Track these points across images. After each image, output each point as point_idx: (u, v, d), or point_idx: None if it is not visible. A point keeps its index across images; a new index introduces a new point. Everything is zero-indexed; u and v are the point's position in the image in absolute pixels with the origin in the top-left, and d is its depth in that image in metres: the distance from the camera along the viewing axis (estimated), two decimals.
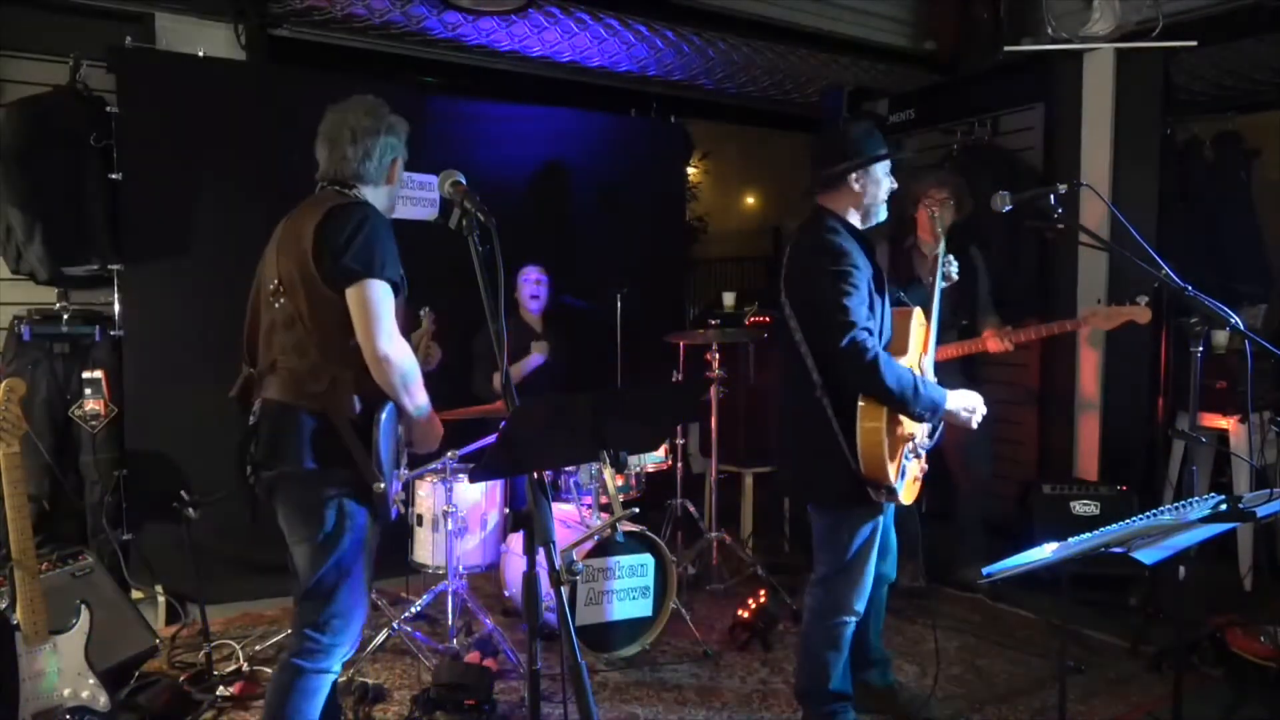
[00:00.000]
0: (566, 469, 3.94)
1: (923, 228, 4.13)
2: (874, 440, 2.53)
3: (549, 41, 4.89)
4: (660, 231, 5.63)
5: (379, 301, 2.17)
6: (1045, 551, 2.01)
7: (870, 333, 2.52)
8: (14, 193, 3.81)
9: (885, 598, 3.14)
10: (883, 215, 2.79)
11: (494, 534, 3.88)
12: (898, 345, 2.73)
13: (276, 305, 2.28)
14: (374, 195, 2.37)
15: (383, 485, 2.22)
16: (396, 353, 2.20)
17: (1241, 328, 2.32)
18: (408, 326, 2.47)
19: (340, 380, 2.21)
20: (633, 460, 4.05)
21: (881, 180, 2.72)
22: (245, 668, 3.37)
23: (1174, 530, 2.05)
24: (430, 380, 2.40)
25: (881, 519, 2.76)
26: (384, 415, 2.23)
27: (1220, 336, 4.27)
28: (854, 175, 2.68)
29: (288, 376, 2.25)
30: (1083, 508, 4.28)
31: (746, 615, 3.78)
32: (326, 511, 2.23)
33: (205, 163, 4.10)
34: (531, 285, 4.57)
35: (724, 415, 4.52)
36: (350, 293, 2.18)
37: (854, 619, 2.80)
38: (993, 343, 3.97)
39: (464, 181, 2.07)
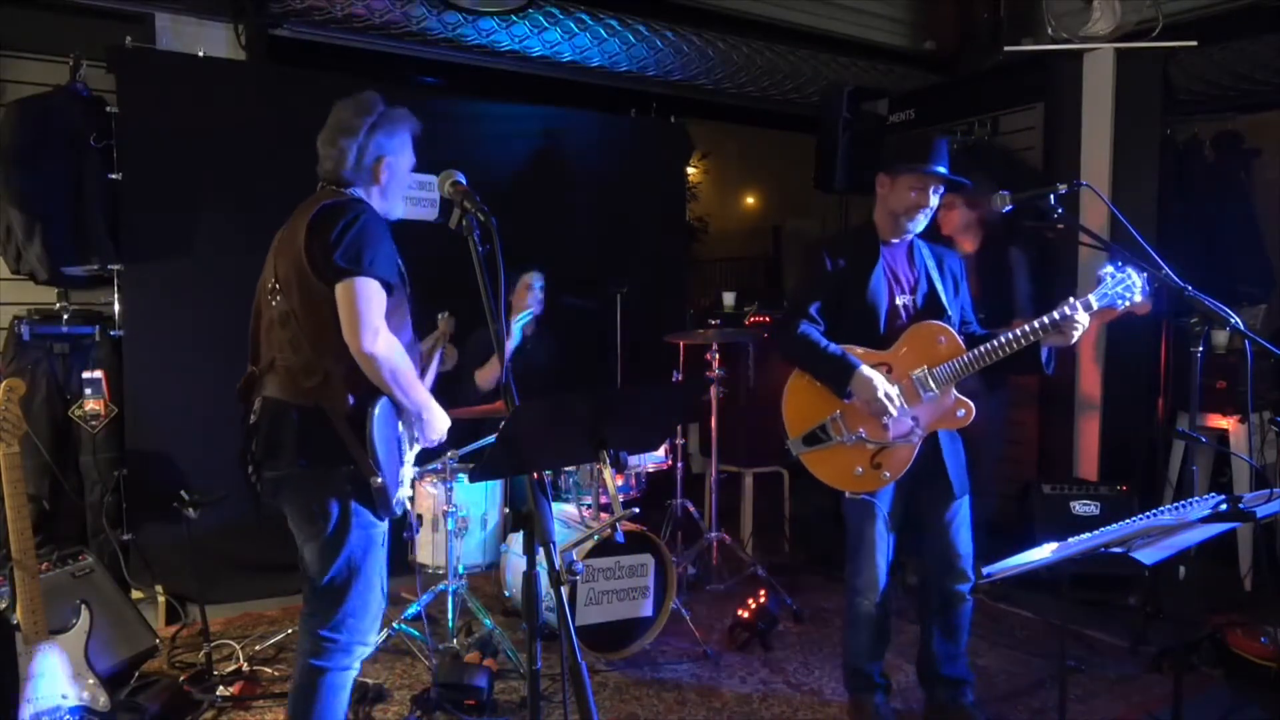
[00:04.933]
0: (566, 469, 3.93)
1: (947, 229, 4.13)
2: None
3: (549, 41, 4.90)
4: (660, 231, 5.63)
5: (366, 299, 2.16)
6: (1045, 551, 2.02)
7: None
8: (14, 193, 3.80)
9: (956, 617, 2.93)
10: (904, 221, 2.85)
11: (494, 534, 3.88)
12: (898, 352, 2.77)
13: (274, 303, 2.29)
14: (367, 195, 2.35)
15: (380, 479, 2.20)
16: (382, 350, 2.18)
17: (1241, 328, 2.33)
18: (422, 329, 2.47)
19: (333, 375, 2.20)
20: (633, 460, 4.05)
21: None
22: (245, 668, 3.37)
23: (1174, 530, 2.05)
24: (441, 380, 2.39)
25: (875, 504, 2.80)
26: (377, 410, 2.21)
27: (1220, 336, 4.27)
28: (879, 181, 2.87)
29: (284, 374, 2.25)
30: (1083, 508, 4.27)
31: (746, 615, 3.78)
32: (330, 508, 2.23)
33: (205, 163, 4.10)
34: (536, 291, 4.54)
35: (724, 415, 4.52)
36: (339, 289, 2.17)
37: (862, 600, 2.88)
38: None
39: (464, 181, 2.06)
